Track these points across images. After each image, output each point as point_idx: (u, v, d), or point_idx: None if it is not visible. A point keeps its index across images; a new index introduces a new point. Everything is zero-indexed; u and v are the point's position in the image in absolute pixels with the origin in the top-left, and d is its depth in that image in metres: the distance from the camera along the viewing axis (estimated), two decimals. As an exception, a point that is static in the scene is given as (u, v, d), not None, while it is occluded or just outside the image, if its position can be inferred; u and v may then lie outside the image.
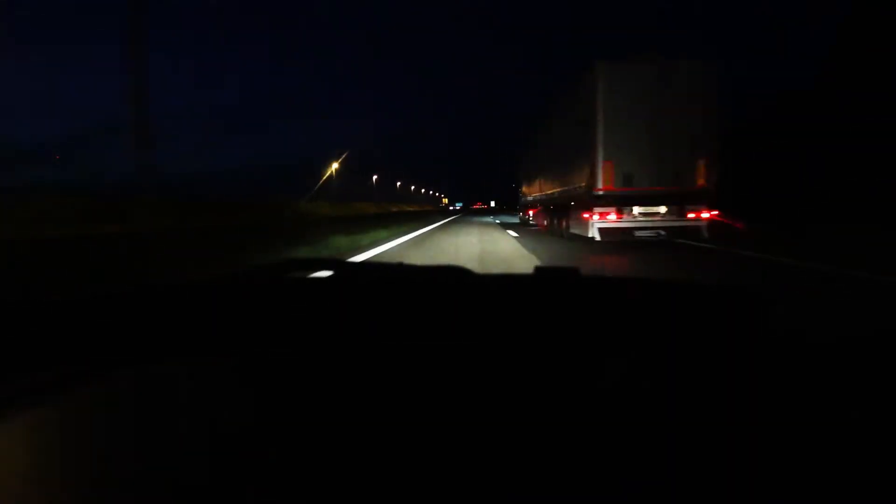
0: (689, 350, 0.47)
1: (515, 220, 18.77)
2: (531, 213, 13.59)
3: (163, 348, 0.48)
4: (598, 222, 6.41)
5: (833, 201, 10.26)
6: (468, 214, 27.63)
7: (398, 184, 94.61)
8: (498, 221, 19.03)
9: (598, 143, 6.23)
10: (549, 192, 9.98)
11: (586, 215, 6.61)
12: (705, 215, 6.34)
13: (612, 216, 6.37)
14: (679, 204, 6.32)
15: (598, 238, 6.48)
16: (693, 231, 6.38)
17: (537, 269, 0.74)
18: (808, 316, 0.56)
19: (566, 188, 8.09)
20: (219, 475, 0.28)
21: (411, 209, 54.20)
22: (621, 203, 6.37)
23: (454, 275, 0.66)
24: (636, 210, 6.41)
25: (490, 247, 7.25)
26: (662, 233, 6.45)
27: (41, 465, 0.29)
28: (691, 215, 6.34)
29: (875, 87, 10.99)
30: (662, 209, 6.40)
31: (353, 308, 0.57)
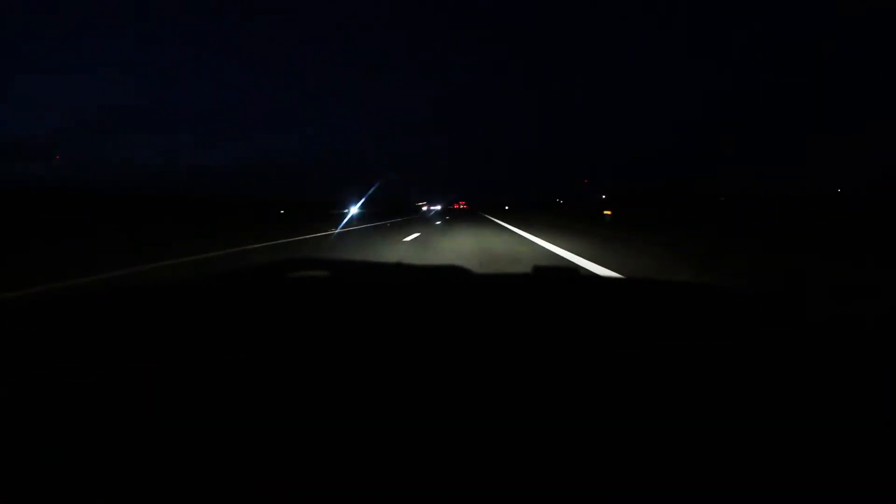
0: (686, 350, 0.47)
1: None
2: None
3: (157, 348, 0.48)
4: None
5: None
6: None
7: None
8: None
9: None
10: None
11: None
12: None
13: None
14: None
15: None
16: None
17: (535, 268, 0.74)
18: (801, 316, 0.56)
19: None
20: (213, 476, 0.28)
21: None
22: None
23: (453, 274, 0.65)
24: None
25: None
26: None
27: (36, 464, 0.29)
28: None
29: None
30: None
31: (352, 309, 0.57)
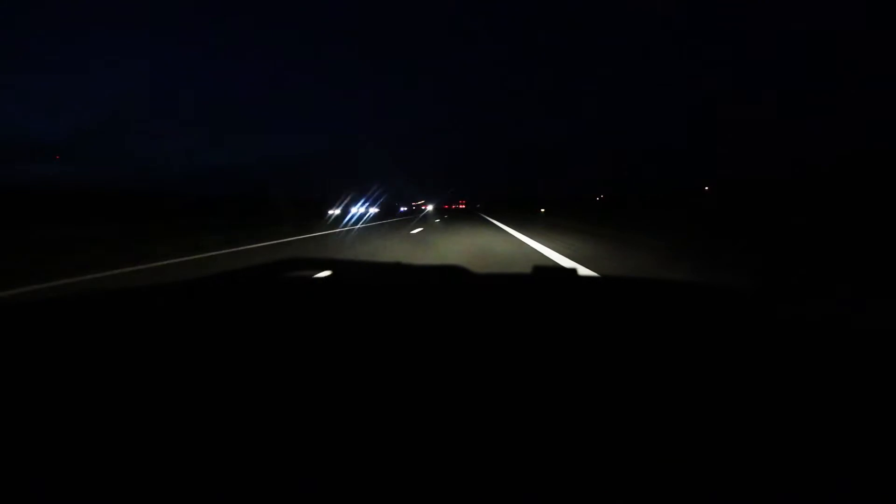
0: (686, 349, 0.47)
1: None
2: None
3: (157, 347, 0.47)
4: None
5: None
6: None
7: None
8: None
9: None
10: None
11: None
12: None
13: None
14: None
15: None
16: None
17: (535, 268, 0.74)
18: (799, 316, 0.56)
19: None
20: (213, 476, 0.28)
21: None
22: None
23: (453, 274, 0.66)
24: None
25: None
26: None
27: (34, 465, 0.29)
28: None
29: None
30: None
31: (352, 309, 0.57)
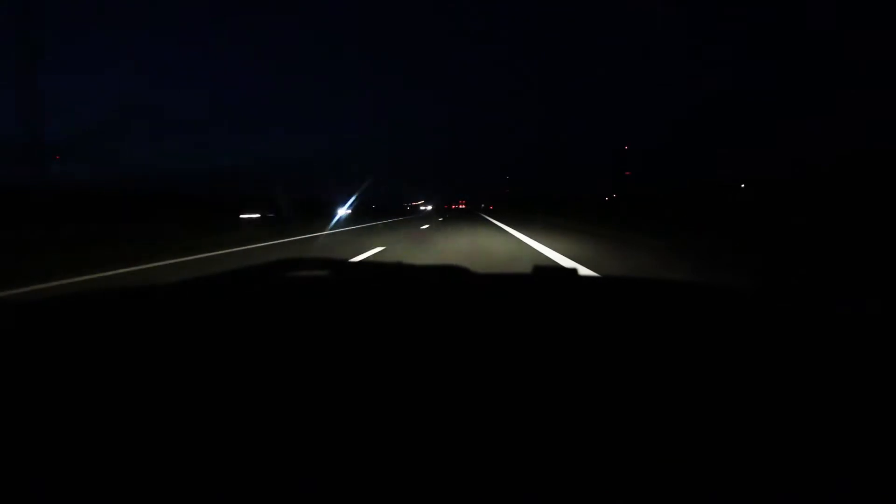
0: (686, 349, 0.47)
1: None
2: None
3: (156, 347, 0.47)
4: None
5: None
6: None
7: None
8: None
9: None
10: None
11: None
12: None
13: None
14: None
15: None
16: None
17: (536, 268, 0.74)
18: (799, 316, 0.56)
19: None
20: (213, 477, 0.28)
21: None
22: None
23: (453, 274, 0.66)
24: None
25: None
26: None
27: (32, 465, 0.29)
28: None
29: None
30: None
31: (351, 309, 0.57)
